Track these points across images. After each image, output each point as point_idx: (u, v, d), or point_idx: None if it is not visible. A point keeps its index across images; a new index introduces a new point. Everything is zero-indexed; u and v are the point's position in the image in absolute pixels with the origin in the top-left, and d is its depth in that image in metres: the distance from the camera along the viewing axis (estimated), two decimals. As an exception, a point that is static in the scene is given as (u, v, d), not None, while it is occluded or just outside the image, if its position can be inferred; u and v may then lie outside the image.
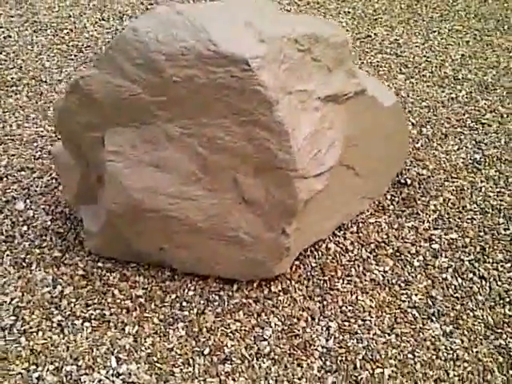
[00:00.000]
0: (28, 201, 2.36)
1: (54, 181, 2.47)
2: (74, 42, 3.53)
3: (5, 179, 2.47)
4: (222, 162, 1.75)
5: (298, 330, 1.88)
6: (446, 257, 2.15)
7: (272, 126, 1.67)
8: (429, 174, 2.55)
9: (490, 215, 2.34)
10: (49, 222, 2.26)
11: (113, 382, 1.72)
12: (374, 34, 3.77)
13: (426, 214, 2.34)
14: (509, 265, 2.12)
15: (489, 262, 2.13)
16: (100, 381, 1.73)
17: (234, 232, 1.86)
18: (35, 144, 2.69)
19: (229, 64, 1.61)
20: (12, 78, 3.14)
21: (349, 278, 2.06)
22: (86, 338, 1.85)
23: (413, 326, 1.90)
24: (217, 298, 1.98)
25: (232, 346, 1.83)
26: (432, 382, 1.73)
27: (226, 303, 1.96)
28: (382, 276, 2.07)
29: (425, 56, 3.52)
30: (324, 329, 1.88)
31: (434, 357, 1.80)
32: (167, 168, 1.78)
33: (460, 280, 2.06)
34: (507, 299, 2.00)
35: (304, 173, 1.75)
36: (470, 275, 2.08)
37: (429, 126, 2.87)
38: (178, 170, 1.78)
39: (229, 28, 1.66)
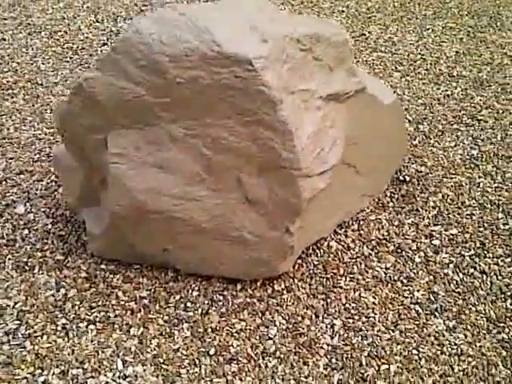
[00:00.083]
0: (28, 204, 2.36)
1: (53, 183, 2.46)
2: (69, 44, 3.52)
3: (4, 183, 2.46)
4: (226, 162, 1.76)
5: (303, 329, 1.89)
6: (446, 252, 2.16)
7: (276, 126, 1.68)
8: (427, 171, 2.57)
9: (488, 210, 2.36)
10: (50, 225, 2.26)
11: (120, 384, 1.73)
12: (369, 32, 3.79)
13: (426, 210, 2.35)
14: (509, 259, 2.14)
15: (489, 257, 2.15)
16: (107, 383, 1.73)
17: (238, 232, 1.87)
18: (33, 147, 2.68)
19: (232, 64, 1.62)
20: (8, 81, 3.13)
21: (351, 276, 2.07)
22: (91, 341, 1.85)
23: (416, 322, 1.91)
24: (221, 297, 1.99)
25: (237, 345, 1.84)
26: (437, 377, 1.74)
27: (231, 303, 1.97)
28: (384, 273, 2.09)
29: (419, 53, 3.54)
30: (328, 326, 1.89)
31: (439, 352, 1.82)
32: (171, 169, 1.78)
33: (461, 275, 2.08)
34: (508, 293, 2.02)
35: (308, 171, 1.76)
36: (471, 270, 2.10)
37: (425, 123, 2.89)
38: (181, 170, 1.78)
39: (232, 28, 1.66)
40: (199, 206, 1.83)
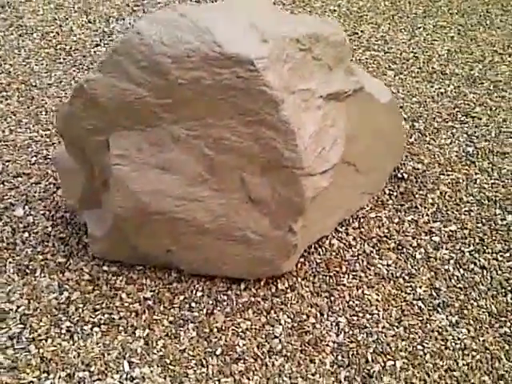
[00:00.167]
0: (27, 207, 2.34)
1: (52, 186, 2.45)
2: (62, 45, 3.50)
3: (1, 186, 2.44)
4: (229, 163, 1.76)
5: (308, 327, 1.90)
6: (446, 249, 2.19)
7: (278, 126, 1.69)
8: (424, 168, 2.59)
9: (486, 206, 2.39)
10: (50, 228, 2.25)
11: (127, 385, 1.73)
12: (361, 31, 3.81)
13: (425, 207, 2.38)
14: (508, 254, 2.17)
15: (488, 253, 2.18)
16: (114, 385, 1.73)
17: (241, 231, 1.87)
18: (30, 149, 2.66)
19: (234, 65, 1.62)
20: (1, 83, 3.10)
21: (354, 273, 2.09)
22: (97, 343, 1.84)
23: (420, 318, 1.93)
24: (225, 297, 1.99)
25: (244, 345, 1.84)
26: (443, 371, 1.76)
27: (235, 302, 1.97)
28: (386, 270, 2.10)
29: (412, 52, 3.57)
30: (334, 324, 1.90)
31: (443, 347, 1.84)
32: (173, 170, 1.78)
33: (462, 271, 2.10)
34: (508, 288, 2.04)
35: (310, 171, 1.77)
36: (471, 266, 2.12)
37: (421, 121, 2.92)
38: (184, 171, 1.78)
39: (232, 29, 1.67)
40: (202, 206, 1.83)
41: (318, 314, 1.94)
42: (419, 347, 1.83)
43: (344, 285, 2.05)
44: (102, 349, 1.82)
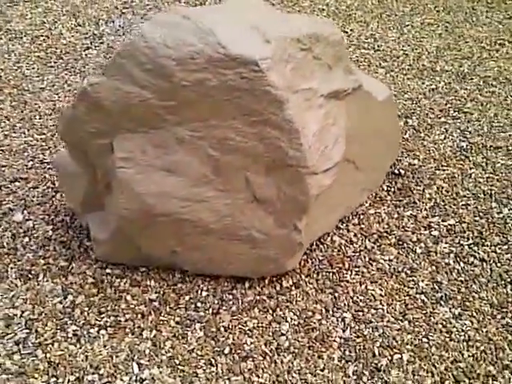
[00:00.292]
0: (26, 211, 2.33)
1: (50, 190, 2.43)
2: (52, 48, 3.47)
3: (-1, 191, 2.42)
4: (234, 163, 1.77)
5: (314, 323, 1.91)
6: (446, 242, 2.22)
7: (282, 125, 1.70)
8: (420, 164, 2.62)
9: (482, 200, 2.43)
10: (50, 232, 2.24)
11: (138, 387, 1.73)
12: (350, 30, 3.84)
13: (423, 202, 2.41)
14: (506, 247, 2.21)
15: (487, 245, 2.21)
16: (124, 387, 1.73)
17: (246, 231, 1.88)
18: (25, 154, 2.64)
19: (238, 66, 1.63)
20: (-7, 88, 3.08)
21: (356, 269, 2.11)
22: (104, 346, 1.84)
23: (423, 311, 1.96)
24: (230, 297, 2.00)
25: (251, 343, 1.85)
26: (449, 363, 1.79)
27: (240, 301, 1.98)
28: (388, 265, 2.13)
29: (402, 49, 3.61)
30: (339, 320, 1.92)
31: (448, 339, 1.86)
32: (178, 171, 1.79)
33: (462, 264, 2.14)
34: (508, 279, 2.08)
35: (314, 169, 1.79)
36: (471, 259, 2.16)
37: (414, 117, 2.95)
38: (189, 172, 1.79)
39: (235, 30, 1.68)
40: (207, 206, 1.84)
41: (324, 311, 1.96)
42: (424, 340, 1.86)
43: (347, 281, 2.07)
44: (110, 351, 1.82)
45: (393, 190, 2.48)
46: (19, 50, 3.44)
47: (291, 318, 1.93)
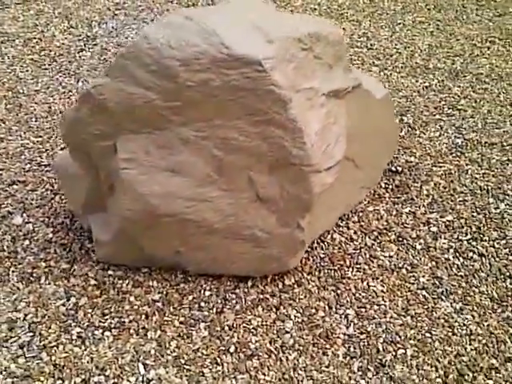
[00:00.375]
0: (25, 214, 2.32)
1: (49, 192, 2.43)
2: (46, 51, 3.46)
3: (-3, 195, 2.41)
4: (237, 162, 1.78)
5: (318, 320, 1.93)
6: (445, 238, 2.24)
7: (286, 124, 1.72)
8: (417, 161, 2.65)
9: (479, 196, 2.45)
10: (50, 235, 2.23)
11: (144, 387, 1.73)
12: (343, 28, 3.86)
13: (421, 198, 2.43)
14: (504, 241, 2.24)
15: (485, 240, 2.24)
16: (131, 388, 1.73)
17: (249, 230, 1.89)
18: (23, 157, 2.63)
19: (242, 66, 1.64)
20: (-13, 92, 3.06)
21: (358, 266, 2.13)
22: (109, 348, 1.84)
23: (425, 307, 1.98)
24: (233, 296, 2.01)
25: (256, 341, 1.86)
26: (452, 357, 1.81)
27: (244, 300, 1.99)
28: (389, 261, 2.15)
29: (394, 48, 3.63)
30: (343, 316, 1.94)
31: (450, 333, 1.89)
32: (183, 172, 1.79)
33: (462, 259, 2.16)
34: (507, 274, 2.11)
35: (317, 167, 1.80)
36: (470, 254, 2.18)
37: (409, 115, 2.98)
38: (193, 172, 1.80)
39: (238, 30, 1.69)
40: (211, 206, 1.85)
41: (327, 308, 1.97)
42: (427, 335, 1.88)
43: (349, 278, 2.08)
44: (115, 352, 1.82)
45: (391, 187, 2.50)
46: (12, 52, 3.42)
47: (295, 316, 1.94)
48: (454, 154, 2.69)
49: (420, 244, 2.22)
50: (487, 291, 2.04)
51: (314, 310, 1.96)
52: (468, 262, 2.15)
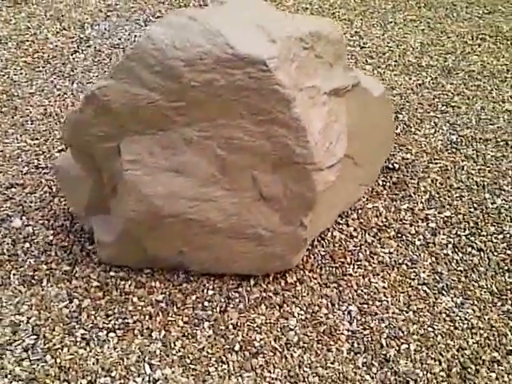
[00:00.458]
0: (24, 217, 2.31)
1: (47, 195, 2.42)
2: (39, 53, 3.44)
3: (-5, 198, 2.40)
4: (241, 162, 1.79)
5: (321, 317, 1.94)
6: (444, 234, 2.27)
7: (290, 123, 1.73)
8: (413, 158, 2.67)
9: (476, 191, 2.48)
10: (51, 237, 2.22)
11: (151, 387, 1.74)
12: (335, 27, 3.88)
13: (418, 195, 2.46)
14: (501, 236, 2.27)
15: (483, 235, 2.27)
16: (138, 388, 1.74)
17: (253, 229, 1.90)
18: (20, 159, 2.62)
19: (247, 65, 1.66)
20: (-19, 95, 3.04)
21: (358, 263, 2.15)
22: (114, 349, 1.84)
23: (427, 302, 2.00)
24: (236, 294, 2.02)
25: (261, 339, 1.87)
26: (455, 351, 1.84)
27: (247, 299, 2.00)
28: (389, 257, 2.17)
29: (387, 46, 3.66)
30: (346, 313, 1.96)
31: (452, 328, 1.91)
32: (186, 172, 1.80)
33: (460, 254, 2.19)
34: (506, 268, 2.14)
35: (320, 165, 1.82)
36: (469, 249, 2.21)
37: (404, 113, 3.00)
38: (197, 172, 1.80)
39: (241, 30, 1.70)
40: (215, 206, 1.86)
41: (330, 305, 1.99)
42: (430, 329, 1.90)
43: (350, 274, 2.10)
44: (121, 353, 1.83)
45: (388, 184, 2.52)
46: (5, 55, 3.40)
47: (298, 313, 1.96)
48: (449, 151, 2.72)
49: (419, 240, 2.24)
50: (487, 285, 2.06)
51: (316, 307, 1.98)
52: (467, 256, 2.18)
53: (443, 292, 2.04)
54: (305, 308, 1.97)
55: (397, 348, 1.85)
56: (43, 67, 3.30)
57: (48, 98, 3.04)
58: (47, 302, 1.98)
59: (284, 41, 1.73)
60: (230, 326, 1.91)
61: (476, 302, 2.00)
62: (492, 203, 2.42)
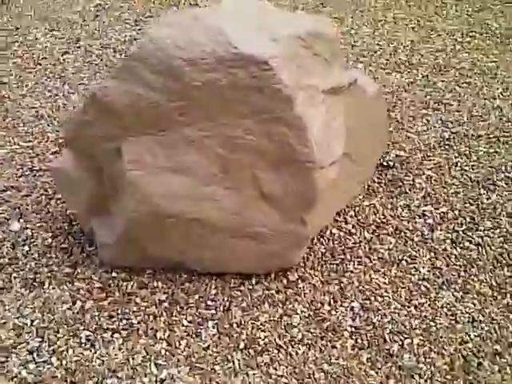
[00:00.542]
0: (22, 220, 2.29)
1: (43, 197, 2.40)
2: (28, 54, 3.42)
3: (-9, 201, 2.38)
4: (242, 161, 1.80)
5: (324, 314, 1.96)
6: (441, 229, 2.30)
7: (291, 122, 1.74)
8: (407, 155, 2.70)
9: (470, 187, 2.52)
10: (50, 239, 2.21)
11: (159, 387, 1.74)
12: (326, 26, 3.90)
13: (414, 192, 2.49)
14: (498, 231, 2.30)
15: (480, 230, 2.30)
16: (145, 388, 1.74)
17: (254, 227, 1.91)
18: (13, 162, 2.60)
19: (249, 65, 1.66)
20: (-28, 97, 3.01)
21: (358, 260, 2.17)
22: (120, 349, 1.84)
23: (428, 297, 2.03)
24: (239, 293, 2.03)
25: (265, 337, 1.88)
26: (457, 344, 1.87)
27: (250, 297, 2.01)
28: (388, 254, 2.19)
29: (378, 44, 3.69)
30: (348, 309, 1.98)
31: (454, 322, 1.94)
32: (188, 172, 1.80)
33: (459, 249, 2.22)
34: (503, 262, 2.17)
35: (321, 163, 1.83)
36: (467, 244, 2.24)
37: (396, 110, 3.03)
38: (198, 172, 1.81)
39: (243, 30, 1.71)
40: (216, 205, 1.86)
41: (332, 301, 2.00)
42: (432, 324, 1.93)
43: (351, 271, 2.12)
44: (126, 354, 1.83)
45: (384, 181, 2.55)
46: (-5, 56, 3.38)
47: (301, 311, 1.97)
48: (442, 148, 2.76)
49: (417, 236, 2.27)
50: (486, 279, 2.10)
51: (319, 304, 1.99)
52: (465, 251, 2.21)
53: (443, 287, 2.06)
54: (307, 305, 1.99)
55: (400, 343, 1.87)
56: (33, 68, 3.28)
57: (39, 99, 3.02)
58: (50, 304, 1.97)
59: (285, 40, 1.75)
60: (234, 325, 1.92)
61: (476, 296, 2.03)
62: (487, 199, 2.46)
